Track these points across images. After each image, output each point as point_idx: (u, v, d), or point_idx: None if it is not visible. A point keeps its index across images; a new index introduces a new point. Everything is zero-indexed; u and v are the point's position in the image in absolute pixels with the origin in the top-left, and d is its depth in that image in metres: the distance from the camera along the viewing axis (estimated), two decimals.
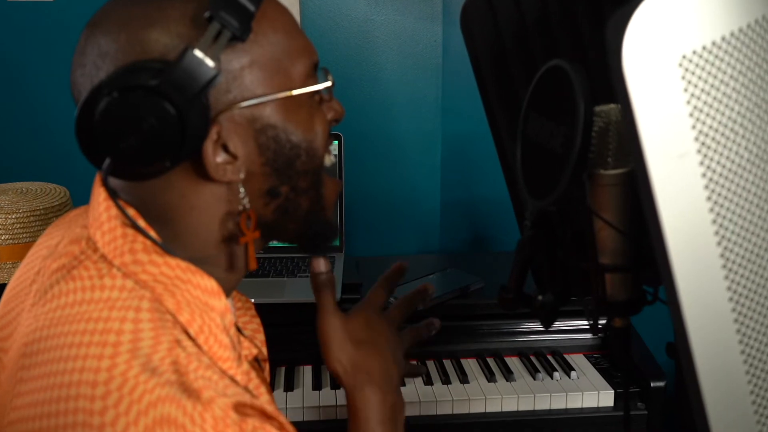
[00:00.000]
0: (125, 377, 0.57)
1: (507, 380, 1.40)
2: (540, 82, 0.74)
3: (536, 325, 1.46)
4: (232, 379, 0.65)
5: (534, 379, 1.41)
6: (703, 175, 0.50)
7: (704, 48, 0.49)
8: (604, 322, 0.79)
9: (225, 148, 0.66)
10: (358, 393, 0.80)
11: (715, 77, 0.49)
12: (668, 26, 0.48)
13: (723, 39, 0.49)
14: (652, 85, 0.48)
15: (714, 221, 0.51)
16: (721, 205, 0.51)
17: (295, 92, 0.68)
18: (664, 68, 0.48)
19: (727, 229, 0.52)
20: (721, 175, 0.51)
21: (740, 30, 0.50)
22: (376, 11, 1.82)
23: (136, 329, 0.61)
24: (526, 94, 0.76)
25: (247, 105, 0.65)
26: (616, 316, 0.77)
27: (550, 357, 1.48)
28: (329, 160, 0.74)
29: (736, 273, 0.53)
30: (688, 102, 0.49)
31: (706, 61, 0.49)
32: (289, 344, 1.43)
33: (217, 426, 0.58)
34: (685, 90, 0.49)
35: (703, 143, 0.50)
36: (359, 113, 1.85)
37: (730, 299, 0.53)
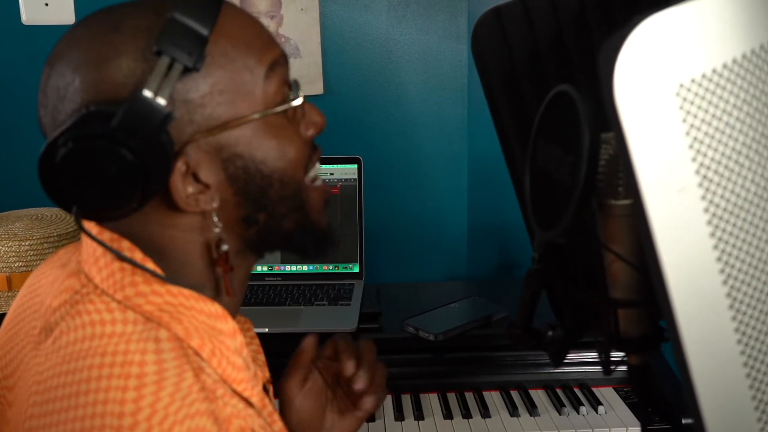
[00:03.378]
0: (154, 408, 0.56)
1: (531, 415, 1.35)
2: (547, 108, 0.72)
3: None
4: (249, 402, 0.64)
5: (559, 414, 1.36)
6: (706, 210, 0.47)
7: (704, 76, 0.46)
8: (622, 357, 0.76)
9: (196, 177, 0.64)
10: None
11: (717, 107, 0.46)
12: (664, 53, 0.45)
13: (724, 66, 0.46)
14: (648, 115, 0.45)
15: (719, 258, 0.48)
16: (726, 242, 0.48)
17: (260, 115, 0.65)
18: (661, 98, 0.45)
19: (733, 266, 0.49)
20: (725, 209, 0.48)
21: (743, 56, 0.47)
22: (399, 30, 1.78)
23: (159, 360, 0.59)
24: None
25: (213, 132, 0.63)
26: (632, 353, 0.74)
27: (577, 390, 1.43)
28: (313, 172, 0.71)
29: (744, 314, 0.49)
30: (688, 133, 0.46)
31: (707, 90, 0.46)
32: None
33: None
34: (684, 120, 0.46)
35: (704, 176, 0.47)
36: (381, 135, 1.82)
37: (739, 341, 0.50)
